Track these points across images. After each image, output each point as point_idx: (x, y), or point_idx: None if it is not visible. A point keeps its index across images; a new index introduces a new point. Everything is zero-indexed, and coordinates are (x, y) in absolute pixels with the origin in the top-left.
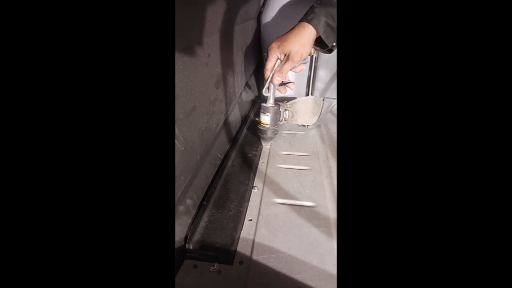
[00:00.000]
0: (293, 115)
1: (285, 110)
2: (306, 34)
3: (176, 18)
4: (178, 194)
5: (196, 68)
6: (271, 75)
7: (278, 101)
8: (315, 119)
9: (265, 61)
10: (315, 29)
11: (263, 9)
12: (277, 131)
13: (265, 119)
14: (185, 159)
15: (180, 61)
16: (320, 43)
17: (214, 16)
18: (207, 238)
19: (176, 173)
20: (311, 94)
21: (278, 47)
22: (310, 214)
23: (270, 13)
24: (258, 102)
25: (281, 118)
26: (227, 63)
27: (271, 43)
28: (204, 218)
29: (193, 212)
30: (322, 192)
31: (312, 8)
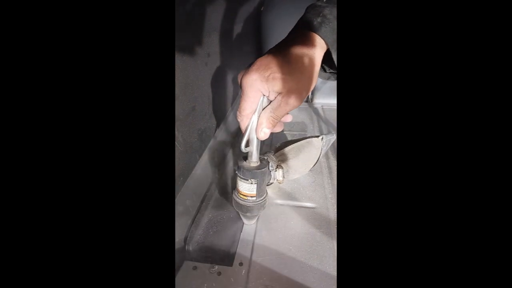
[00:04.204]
0: (287, 171)
1: (277, 167)
2: (314, 55)
3: (176, 17)
4: (177, 195)
5: (196, 68)
6: (253, 124)
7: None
8: (312, 165)
9: (240, 100)
10: (326, 42)
11: (263, 9)
12: (266, 201)
13: (249, 188)
14: (185, 160)
15: (180, 61)
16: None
17: (214, 16)
18: (206, 239)
19: (176, 174)
20: (311, 94)
21: (266, 80)
22: (310, 215)
23: (270, 13)
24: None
25: (271, 181)
26: (227, 63)
27: (248, 71)
28: (204, 219)
29: (193, 213)
30: (323, 193)
31: (317, 8)
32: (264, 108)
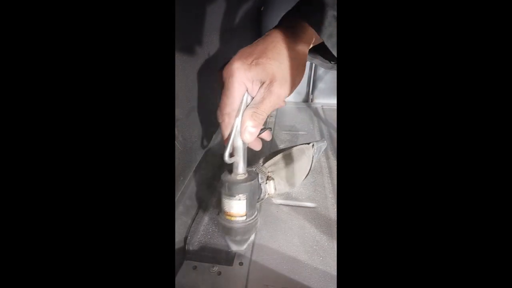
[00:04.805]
0: (279, 183)
1: (267, 179)
2: (301, 41)
3: (176, 17)
4: (177, 194)
5: (196, 68)
6: (236, 125)
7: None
8: (304, 176)
9: (221, 95)
10: (315, 29)
11: (263, 9)
12: (258, 220)
13: (236, 206)
14: (185, 159)
15: (180, 60)
16: (319, 50)
17: (214, 15)
18: (207, 239)
19: (176, 174)
20: (311, 94)
21: (249, 68)
22: (310, 215)
23: (270, 13)
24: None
25: (262, 196)
26: (227, 63)
27: (231, 62)
28: (204, 219)
29: (193, 212)
30: (323, 193)
31: None
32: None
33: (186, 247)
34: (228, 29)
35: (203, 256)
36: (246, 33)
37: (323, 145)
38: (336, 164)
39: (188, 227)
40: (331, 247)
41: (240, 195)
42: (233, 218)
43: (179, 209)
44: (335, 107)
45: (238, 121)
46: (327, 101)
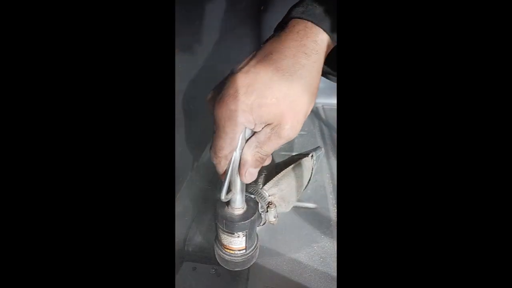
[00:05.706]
0: (280, 205)
1: (268, 206)
2: (314, 57)
3: (176, 17)
4: (177, 195)
5: (196, 68)
6: (235, 162)
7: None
8: (302, 190)
9: (214, 136)
10: (331, 37)
11: (263, 8)
12: (258, 248)
13: (235, 242)
14: (185, 160)
15: (180, 61)
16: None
17: (214, 15)
18: (206, 240)
19: (175, 174)
20: None
21: (250, 110)
22: (311, 215)
23: (270, 13)
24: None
25: (261, 223)
26: (226, 63)
27: (223, 98)
28: (204, 220)
29: (193, 213)
30: (323, 193)
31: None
32: (247, 140)
33: (186, 248)
34: (228, 29)
35: (202, 257)
36: (246, 33)
37: (321, 153)
38: (336, 164)
39: (188, 228)
40: (331, 247)
41: (240, 233)
42: (232, 252)
43: (179, 210)
44: (335, 107)
45: (236, 155)
46: (327, 101)
